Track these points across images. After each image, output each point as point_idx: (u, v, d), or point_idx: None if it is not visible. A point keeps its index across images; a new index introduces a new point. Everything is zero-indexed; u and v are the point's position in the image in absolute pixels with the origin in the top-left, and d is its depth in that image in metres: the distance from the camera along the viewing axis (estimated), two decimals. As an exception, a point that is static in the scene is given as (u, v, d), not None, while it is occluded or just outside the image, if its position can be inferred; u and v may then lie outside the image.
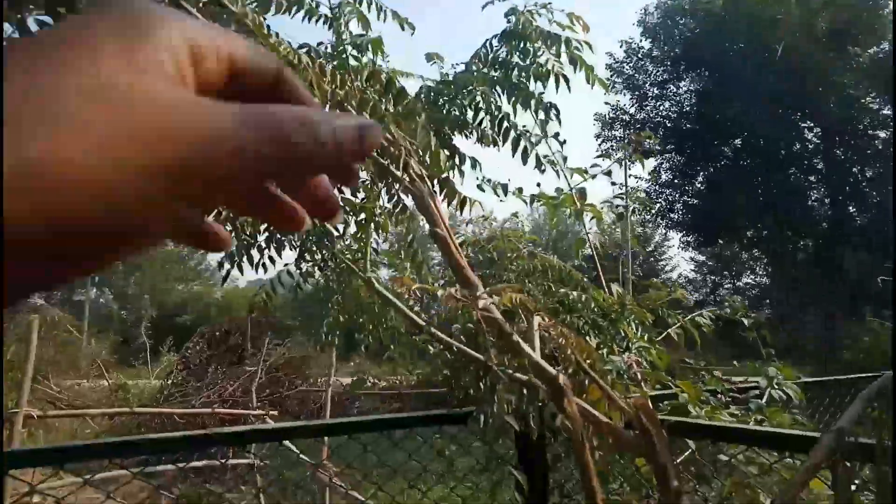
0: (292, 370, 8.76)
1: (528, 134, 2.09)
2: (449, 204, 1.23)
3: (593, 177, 3.62)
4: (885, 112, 17.19)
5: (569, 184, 3.28)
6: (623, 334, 2.21)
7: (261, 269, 1.77)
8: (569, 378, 1.34)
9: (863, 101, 16.61)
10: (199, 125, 0.22)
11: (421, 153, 1.08)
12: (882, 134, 17.29)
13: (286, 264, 1.73)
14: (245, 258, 1.68)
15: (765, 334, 3.63)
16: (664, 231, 20.72)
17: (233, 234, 1.64)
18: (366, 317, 1.97)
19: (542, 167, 2.21)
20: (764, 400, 2.56)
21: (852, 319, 14.81)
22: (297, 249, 1.65)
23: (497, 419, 1.67)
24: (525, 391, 1.78)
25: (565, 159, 3.43)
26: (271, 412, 6.80)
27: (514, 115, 2.14)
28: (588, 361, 1.41)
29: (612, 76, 18.01)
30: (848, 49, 15.59)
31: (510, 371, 1.38)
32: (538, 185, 3.65)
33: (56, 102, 0.20)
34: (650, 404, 1.22)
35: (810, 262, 18.20)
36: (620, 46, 18.47)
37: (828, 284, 16.99)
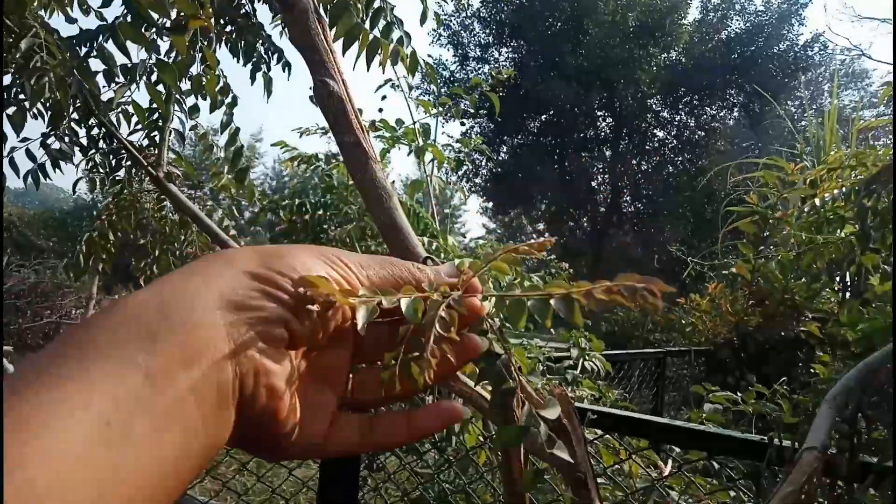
0: (39, 298, 7.40)
1: (401, 23, 1.62)
2: (347, 47, 0.73)
3: (440, 116, 3.25)
4: (664, 114, 19.33)
5: (412, 115, 2.87)
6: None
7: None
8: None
9: (650, 100, 18.45)
10: None
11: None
12: (659, 133, 19.46)
13: (24, 140, 1.09)
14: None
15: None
16: (465, 195, 21.38)
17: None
18: (150, 238, 1.39)
19: (418, 70, 1.75)
20: (578, 370, 2.43)
21: (612, 295, 16.64)
22: (48, 117, 1.02)
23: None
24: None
25: (411, 88, 2.99)
26: (4, 347, 5.68)
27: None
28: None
29: (438, 27, 17.83)
30: (649, 48, 17.11)
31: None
32: (380, 110, 3.19)
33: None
34: (568, 395, 0.90)
35: (585, 241, 20.08)
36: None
37: (596, 263, 18.90)
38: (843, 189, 1.52)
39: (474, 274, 0.40)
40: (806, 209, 1.55)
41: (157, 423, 0.24)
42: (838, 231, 1.61)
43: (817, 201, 1.47)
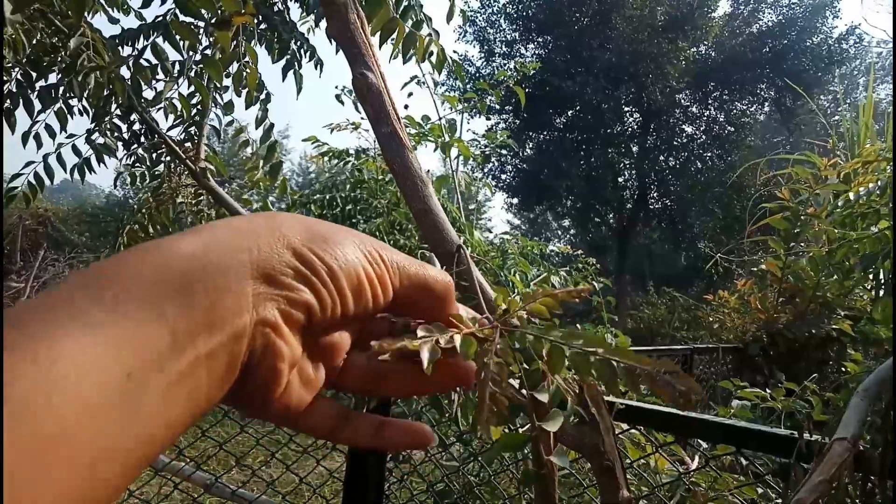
0: (74, 292, 7.57)
1: (429, 21, 1.64)
2: (384, 40, 0.75)
3: (461, 112, 3.26)
4: (692, 109, 19.05)
5: (438, 111, 2.88)
6: (510, 283, 1.92)
7: (32, 143, 1.16)
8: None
9: (678, 95, 18.20)
10: None
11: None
12: (688, 129, 19.18)
13: (70, 136, 1.13)
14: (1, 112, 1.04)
15: (610, 300, 3.58)
16: (492, 191, 21.36)
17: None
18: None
19: (444, 66, 1.76)
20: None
21: (639, 293, 16.53)
22: (92, 113, 1.06)
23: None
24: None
25: (436, 84, 3.00)
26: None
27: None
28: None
29: (465, 24, 17.82)
30: (678, 42, 16.88)
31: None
32: (406, 106, 3.21)
33: None
34: (598, 386, 0.91)
35: (612, 236, 19.92)
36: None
37: (621, 259, 18.74)
38: (879, 183, 1.50)
39: (510, 313, 0.42)
40: (840, 203, 1.53)
41: (171, 382, 0.24)
42: (872, 227, 1.59)
43: (851, 195, 1.45)
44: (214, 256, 0.27)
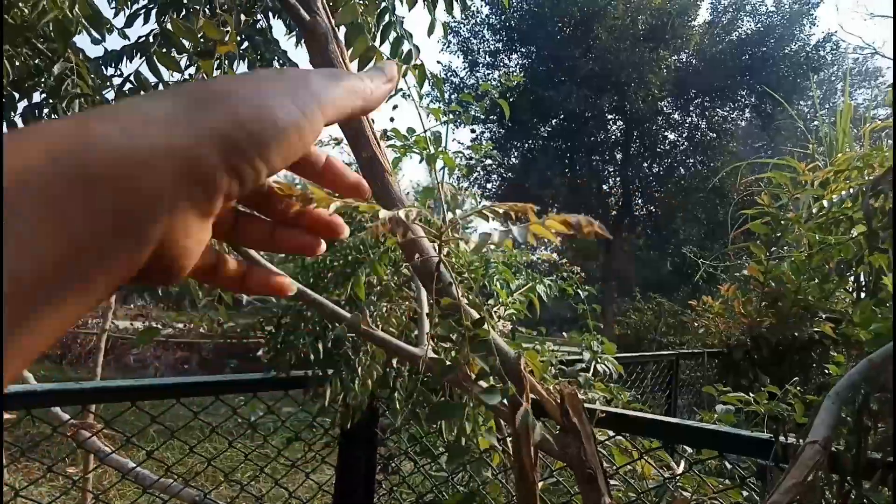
0: (58, 308, 7.48)
1: (410, 37, 1.66)
2: (361, 68, 0.77)
3: (449, 122, 3.27)
4: (675, 116, 19.27)
5: (423, 124, 2.89)
6: (494, 293, 1.93)
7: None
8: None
9: (661, 103, 18.41)
10: None
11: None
12: (671, 136, 19.39)
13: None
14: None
15: (596, 307, 3.60)
16: (477, 200, 21.42)
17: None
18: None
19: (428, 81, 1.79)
20: (590, 373, 2.46)
21: (625, 299, 16.60)
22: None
23: (352, 393, 1.29)
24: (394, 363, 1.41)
25: (421, 96, 3.03)
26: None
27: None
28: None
29: (448, 34, 17.94)
30: (659, 51, 17.09)
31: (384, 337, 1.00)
32: (391, 119, 3.23)
33: None
34: (577, 394, 0.93)
35: (597, 244, 20.03)
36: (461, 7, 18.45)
37: (608, 265, 18.84)
38: (851, 190, 1.54)
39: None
40: (815, 210, 1.57)
41: (67, 290, 0.22)
42: (849, 231, 1.62)
43: (825, 202, 1.49)
44: (125, 149, 0.23)
